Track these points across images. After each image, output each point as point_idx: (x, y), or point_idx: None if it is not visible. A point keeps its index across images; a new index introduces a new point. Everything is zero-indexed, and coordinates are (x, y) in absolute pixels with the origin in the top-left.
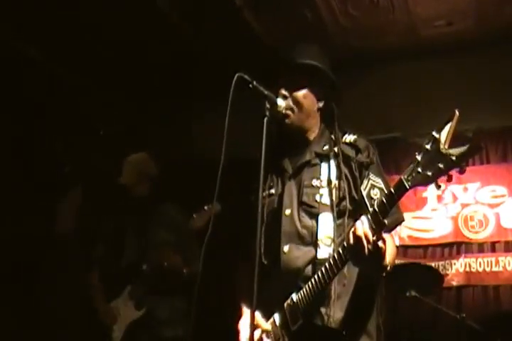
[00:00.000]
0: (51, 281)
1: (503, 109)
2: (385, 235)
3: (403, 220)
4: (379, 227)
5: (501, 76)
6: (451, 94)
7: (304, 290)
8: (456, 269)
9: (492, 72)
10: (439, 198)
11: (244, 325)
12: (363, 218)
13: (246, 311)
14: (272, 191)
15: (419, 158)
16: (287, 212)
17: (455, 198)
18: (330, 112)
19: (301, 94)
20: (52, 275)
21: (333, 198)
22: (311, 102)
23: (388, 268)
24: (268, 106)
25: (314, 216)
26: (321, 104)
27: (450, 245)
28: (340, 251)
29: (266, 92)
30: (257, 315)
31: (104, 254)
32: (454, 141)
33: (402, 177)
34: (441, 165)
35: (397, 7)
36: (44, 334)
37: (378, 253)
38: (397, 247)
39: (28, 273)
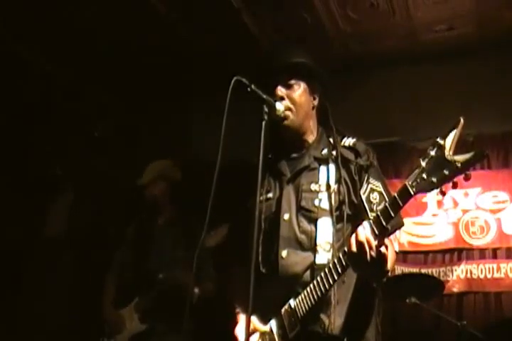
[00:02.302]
0: (39, 284)
1: (504, 114)
2: (386, 241)
3: (403, 225)
4: (382, 233)
5: (502, 81)
6: (451, 98)
7: (302, 296)
8: (457, 276)
9: (493, 77)
10: (440, 203)
11: (240, 331)
12: (365, 223)
13: (242, 317)
14: (270, 195)
15: (423, 164)
16: (286, 216)
17: (456, 204)
18: (324, 111)
19: (297, 93)
20: (40, 278)
21: (332, 203)
22: (306, 100)
23: (389, 273)
24: (266, 109)
25: (313, 221)
26: (315, 102)
27: (451, 251)
28: (341, 257)
29: (264, 96)
30: (254, 320)
31: (123, 257)
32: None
33: (407, 183)
34: (446, 172)
35: (398, 11)
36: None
37: (380, 259)
38: (396, 253)
39: (16, 276)
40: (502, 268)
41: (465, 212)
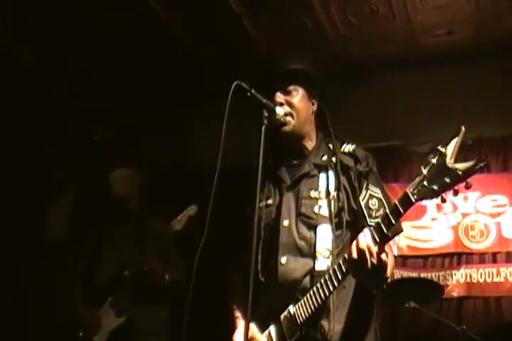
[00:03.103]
0: (40, 285)
1: (503, 118)
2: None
3: (402, 231)
4: (383, 240)
5: (501, 85)
6: (451, 102)
7: (302, 302)
8: (457, 280)
9: (492, 81)
10: (439, 207)
11: (239, 337)
12: (366, 230)
13: (241, 323)
14: (270, 202)
15: (425, 171)
16: (285, 223)
17: (455, 207)
18: (323, 116)
19: (296, 98)
20: (41, 279)
21: (332, 209)
22: (305, 106)
23: (388, 280)
24: (266, 114)
25: (312, 227)
26: (314, 108)
27: (450, 255)
28: (341, 263)
29: (264, 101)
30: (253, 326)
31: (86, 266)
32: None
33: (408, 190)
34: (447, 180)
35: (398, 15)
36: None
37: (381, 266)
38: (395, 257)
39: (16, 277)
40: (502, 272)
41: (464, 215)
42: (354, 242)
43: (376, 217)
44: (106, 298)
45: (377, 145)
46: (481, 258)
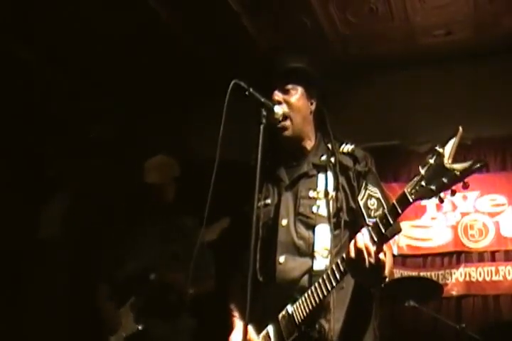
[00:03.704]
0: (34, 285)
1: (502, 118)
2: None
3: (400, 231)
4: (381, 240)
5: (500, 85)
6: (449, 102)
7: (300, 301)
8: (456, 279)
9: (491, 82)
10: (439, 207)
11: (235, 338)
12: (364, 230)
13: (238, 323)
14: (268, 201)
15: (422, 171)
16: (284, 222)
17: (454, 207)
18: (322, 116)
19: (294, 97)
20: (35, 278)
21: (330, 209)
22: (304, 105)
23: (387, 279)
24: (265, 113)
25: (311, 227)
26: (313, 107)
27: (450, 254)
28: (339, 263)
29: (262, 99)
30: (249, 329)
31: (111, 256)
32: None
33: (406, 190)
34: (445, 180)
35: (397, 15)
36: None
37: (379, 265)
38: (395, 256)
39: (12, 276)
40: (500, 270)
41: (464, 215)
42: (352, 241)
43: (375, 217)
44: (128, 297)
45: (376, 145)
46: (480, 257)
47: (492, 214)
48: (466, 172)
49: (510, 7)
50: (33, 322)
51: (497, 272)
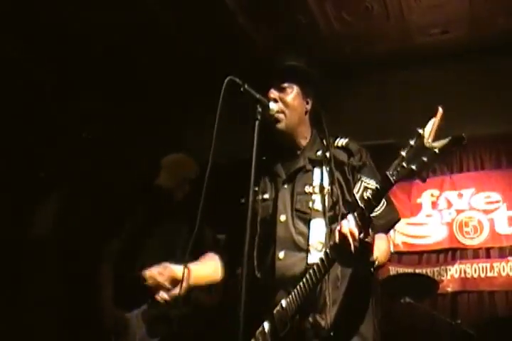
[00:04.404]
0: (25, 286)
1: (496, 116)
2: (380, 235)
3: (399, 219)
4: (366, 223)
5: (495, 84)
6: (445, 101)
7: (293, 295)
8: (451, 275)
9: (486, 80)
10: (434, 204)
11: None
12: (349, 216)
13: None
14: (266, 196)
15: (403, 153)
16: (282, 218)
17: (450, 204)
18: (317, 116)
19: (290, 96)
20: (26, 279)
21: (326, 204)
22: (299, 104)
23: (376, 263)
24: (260, 109)
25: (307, 222)
26: (308, 107)
27: (445, 251)
28: (327, 252)
29: (257, 96)
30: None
31: (118, 252)
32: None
33: (387, 172)
34: (424, 159)
35: (392, 14)
36: None
37: (364, 249)
38: (391, 253)
39: (3, 276)
40: (495, 267)
41: (459, 212)
42: (337, 227)
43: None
44: (139, 303)
45: (373, 143)
46: (475, 253)
47: (487, 212)
48: (444, 149)
49: (505, 6)
50: (32, 322)
51: (492, 268)
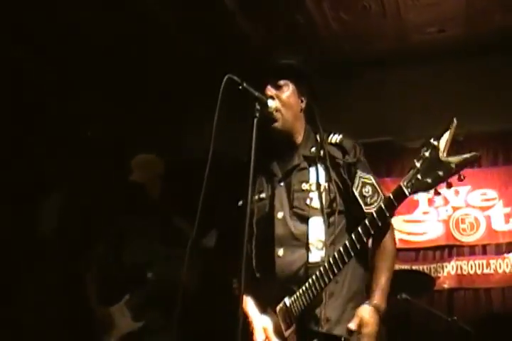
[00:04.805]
0: (27, 284)
1: (493, 113)
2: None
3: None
4: (376, 232)
5: (491, 82)
6: (441, 99)
7: (298, 294)
8: (448, 272)
9: (482, 78)
10: (431, 201)
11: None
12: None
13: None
14: (263, 195)
15: (418, 165)
16: (279, 215)
17: (446, 201)
18: (312, 114)
19: (286, 93)
20: (28, 278)
21: (323, 201)
22: (295, 102)
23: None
24: (258, 107)
25: (305, 219)
26: (303, 105)
27: (441, 248)
28: (336, 256)
29: (256, 93)
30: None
31: (103, 254)
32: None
33: (402, 183)
34: (440, 173)
35: (389, 13)
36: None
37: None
38: None
39: (6, 276)
40: (491, 264)
41: (455, 209)
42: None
43: (371, 204)
44: (122, 295)
45: (369, 141)
46: (472, 250)
47: (483, 209)
48: (461, 165)
49: (502, 4)
50: (31, 322)
51: (488, 265)
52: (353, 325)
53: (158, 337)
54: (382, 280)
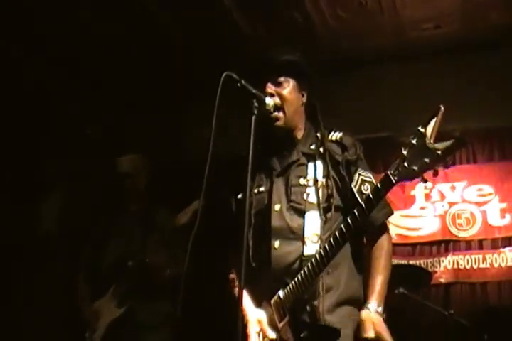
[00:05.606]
0: (29, 282)
1: (489, 109)
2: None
3: (392, 213)
4: (364, 221)
5: (487, 78)
6: (438, 95)
7: (291, 286)
8: (444, 266)
9: (478, 74)
10: (427, 197)
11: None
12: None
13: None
14: (261, 189)
15: (405, 152)
16: (277, 207)
17: (443, 197)
18: (312, 108)
19: (286, 90)
20: (30, 276)
21: (320, 197)
22: (296, 97)
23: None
24: (256, 104)
25: (302, 213)
26: (304, 99)
27: (438, 243)
28: (327, 248)
29: (254, 91)
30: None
31: (91, 255)
32: (442, 140)
33: (388, 171)
34: (426, 160)
35: (386, 9)
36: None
37: None
38: None
39: (6, 273)
40: (487, 258)
41: (452, 204)
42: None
43: None
44: (109, 286)
45: (366, 137)
46: (468, 245)
47: (479, 204)
48: (447, 152)
49: (498, 0)
50: (25, 319)
51: (484, 260)
52: (371, 333)
53: (145, 327)
54: (379, 281)
